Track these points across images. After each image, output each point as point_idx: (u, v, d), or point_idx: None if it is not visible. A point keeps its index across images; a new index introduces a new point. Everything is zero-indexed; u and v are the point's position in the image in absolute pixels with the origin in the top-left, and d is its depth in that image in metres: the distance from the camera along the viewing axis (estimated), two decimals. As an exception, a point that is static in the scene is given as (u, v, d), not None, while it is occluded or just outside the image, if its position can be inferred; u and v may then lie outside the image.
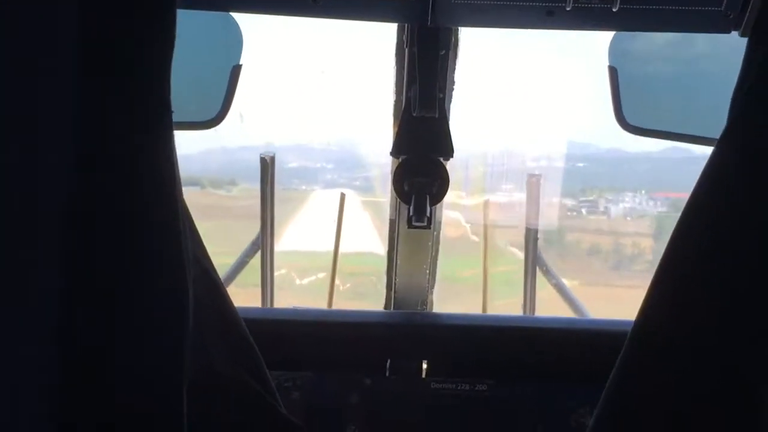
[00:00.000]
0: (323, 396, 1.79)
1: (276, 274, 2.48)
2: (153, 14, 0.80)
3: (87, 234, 0.74)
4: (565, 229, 8.45)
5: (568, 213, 9.48)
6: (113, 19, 0.77)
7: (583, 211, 9.07)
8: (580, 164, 7.43)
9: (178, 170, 0.87)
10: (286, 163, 8.39)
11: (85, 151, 0.74)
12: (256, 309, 2.20)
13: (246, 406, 1.05)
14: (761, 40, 0.93)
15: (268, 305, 2.52)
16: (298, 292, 6.00)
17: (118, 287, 0.76)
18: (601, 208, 8.11)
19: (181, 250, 0.79)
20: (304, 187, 8.45)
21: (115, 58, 0.77)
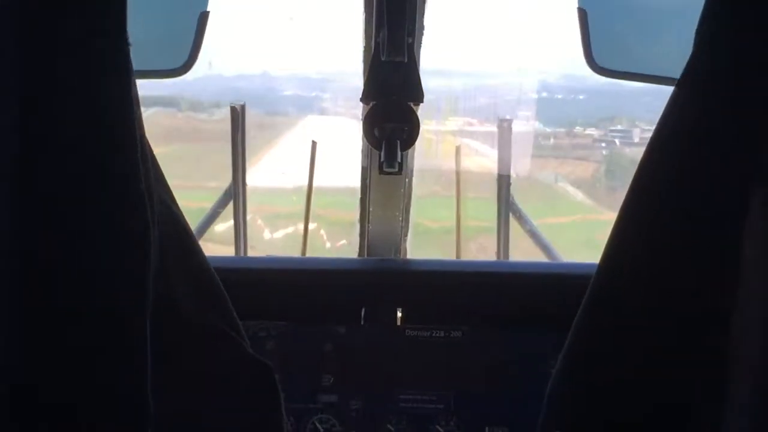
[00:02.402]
0: (298, 345, 1.91)
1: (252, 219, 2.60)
2: None
3: (39, 175, 0.80)
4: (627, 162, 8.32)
5: (596, 143, 9.50)
6: None
7: (617, 141, 9.03)
8: (581, 96, 7.52)
9: (139, 111, 0.92)
10: (281, 91, 8.53)
11: (31, 94, 0.79)
12: (229, 258, 2.32)
13: (211, 343, 1.10)
14: None
15: (242, 253, 2.64)
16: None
17: (76, 227, 0.82)
18: (637, 139, 8.02)
19: (139, 185, 0.84)
20: (296, 114, 8.58)
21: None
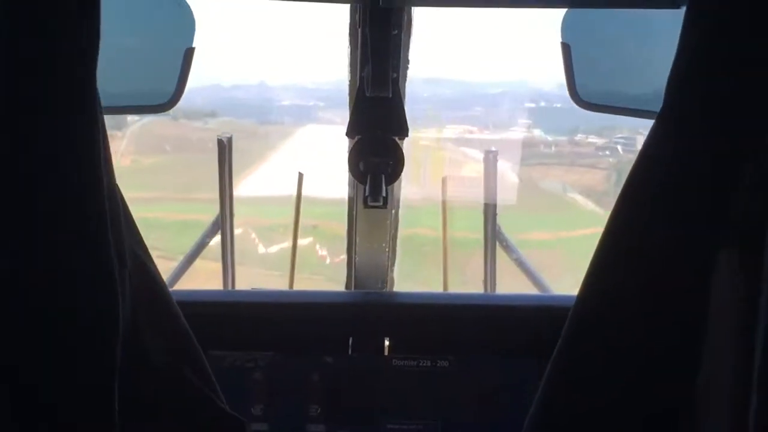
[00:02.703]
0: (285, 376, 1.93)
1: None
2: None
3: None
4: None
5: (599, 151, 9.53)
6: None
7: (619, 149, 9.06)
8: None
9: (109, 161, 0.94)
10: (278, 101, 8.61)
11: None
12: (216, 291, 2.35)
13: (182, 400, 1.12)
14: (697, 18, 0.97)
15: (230, 287, 2.68)
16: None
17: (37, 288, 0.84)
18: (641, 146, 8.01)
19: (107, 246, 0.86)
20: (293, 123, 8.67)
21: (33, 46, 0.83)
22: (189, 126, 8.28)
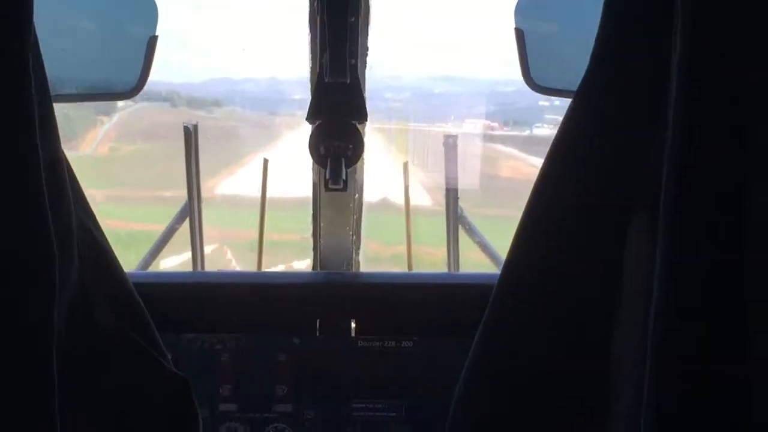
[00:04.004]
0: (253, 357, 2.01)
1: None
2: None
3: None
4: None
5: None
6: None
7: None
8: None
9: (54, 135, 0.99)
10: (290, 95, 8.72)
11: None
12: (183, 273, 2.41)
13: (128, 360, 1.16)
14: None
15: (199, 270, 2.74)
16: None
17: None
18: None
19: (43, 213, 0.88)
20: (302, 116, 8.73)
21: None
22: (190, 114, 8.30)
